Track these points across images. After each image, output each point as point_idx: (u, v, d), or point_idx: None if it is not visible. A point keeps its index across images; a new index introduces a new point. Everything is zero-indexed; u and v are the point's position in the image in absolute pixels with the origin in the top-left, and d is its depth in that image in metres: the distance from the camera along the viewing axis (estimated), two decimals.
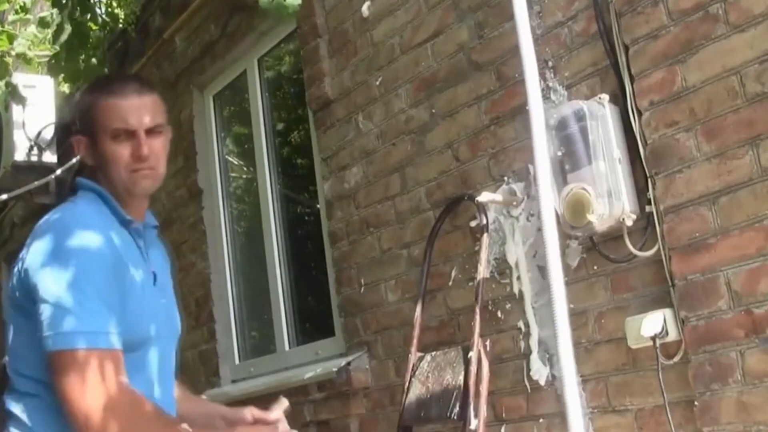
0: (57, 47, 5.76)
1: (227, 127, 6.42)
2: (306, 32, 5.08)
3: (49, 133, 8.00)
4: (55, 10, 5.90)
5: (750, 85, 2.91)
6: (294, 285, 5.54)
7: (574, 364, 3.31)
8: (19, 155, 8.08)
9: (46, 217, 2.48)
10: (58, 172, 7.44)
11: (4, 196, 7.72)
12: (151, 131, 2.61)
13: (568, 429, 2.94)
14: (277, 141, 5.76)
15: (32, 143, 8.03)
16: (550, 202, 3.19)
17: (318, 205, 5.17)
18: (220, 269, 6.09)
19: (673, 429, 3.10)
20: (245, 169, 6.29)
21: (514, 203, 3.77)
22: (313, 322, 5.50)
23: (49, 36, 6.81)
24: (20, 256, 2.43)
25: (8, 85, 6.06)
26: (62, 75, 6.39)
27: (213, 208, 6.18)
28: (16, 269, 2.42)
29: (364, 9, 4.61)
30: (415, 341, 3.92)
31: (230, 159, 6.35)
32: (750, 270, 2.91)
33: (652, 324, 3.15)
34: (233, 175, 6.36)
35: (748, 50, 2.92)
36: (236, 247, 6.15)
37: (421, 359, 3.94)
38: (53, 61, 6.00)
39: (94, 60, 6.27)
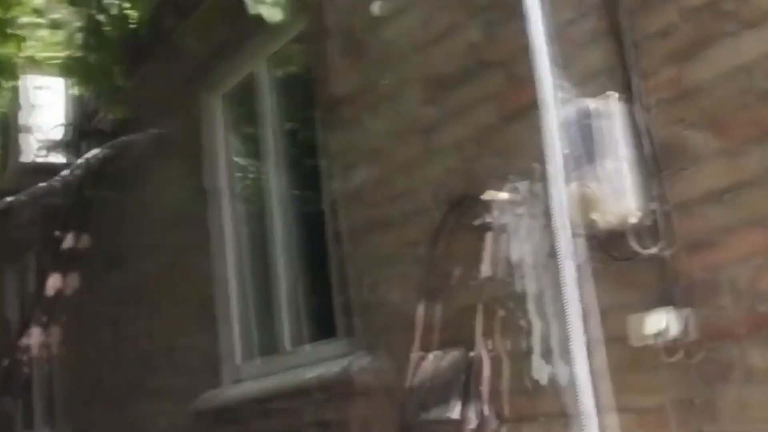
0: (69, 49, 5.79)
1: (236, 127, 6.43)
2: (315, 32, 5.09)
3: (57, 135, 8.07)
4: (66, 11, 5.93)
5: (760, 82, 2.91)
6: (298, 285, 5.53)
7: (588, 364, 3.32)
8: (27, 157, 8.14)
9: None
10: (65, 173, 7.50)
11: (10, 198, 7.77)
12: None
13: (582, 428, 2.94)
14: (285, 141, 5.77)
15: (40, 145, 8.09)
16: (562, 201, 3.20)
17: (324, 205, 5.17)
18: (223, 269, 6.09)
19: (676, 427, 3.09)
20: (252, 168, 6.30)
21: (519, 201, 3.76)
22: (316, 322, 5.49)
23: (61, 38, 6.88)
24: None
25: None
26: (76, 76, 6.43)
27: (219, 208, 6.18)
28: None
29: (375, 8, 4.61)
30: (417, 341, 3.92)
31: (238, 159, 6.35)
32: (755, 268, 2.91)
33: (655, 322, 3.13)
34: (240, 175, 6.36)
35: (758, 47, 2.92)
36: (241, 247, 6.14)
37: (423, 359, 3.93)
38: (67, 62, 6.03)
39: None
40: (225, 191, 6.21)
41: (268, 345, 5.79)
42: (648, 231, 3.25)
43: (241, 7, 5.60)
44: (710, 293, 3.02)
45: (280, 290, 5.53)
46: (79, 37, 6.55)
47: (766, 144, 2.88)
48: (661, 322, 3.13)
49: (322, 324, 5.22)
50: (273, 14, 3.91)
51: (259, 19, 4.64)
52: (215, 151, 6.28)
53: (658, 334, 3.12)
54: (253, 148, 6.08)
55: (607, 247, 3.39)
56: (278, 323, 5.52)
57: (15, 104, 8.04)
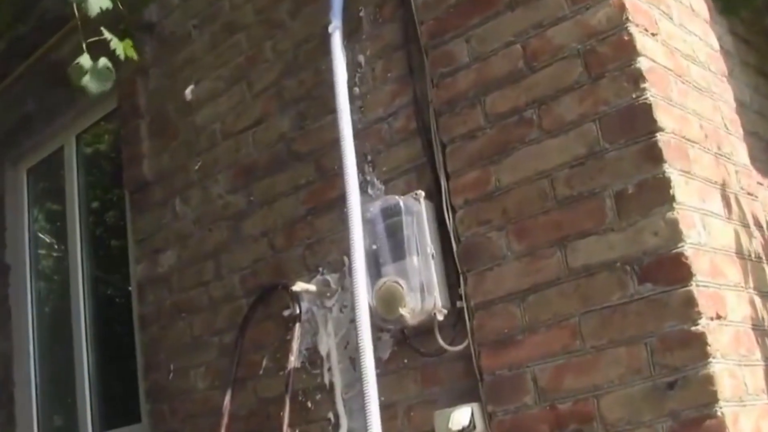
0: None
1: (40, 203, 6.26)
2: (127, 112, 5.02)
3: None
4: None
5: (560, 188, 3.02)
6: (101, 368, 5.39)
7: None
8: None
9: None
10: None
11: None
12: None
13: None
14: (91, 220, 5.65)
15: None
16: (364, 294, 3.24)
17: (130, 288, 5.07)
18: (23, 350, 5.86)
19: None
20: (56, 247, 6.13)
21: (328, 294, 3.77)
22: (119, 408, 5.35)
23: None
24: None
25: None
26: None
27: (20, 286, 5.97)
28: None
29: (188, 92, 4.59)
30: (223, 430, 3.86)
31: (42, 236, 6.17)
32: (555, 366, 2.98)
33: (460, 418, 3.18)
34: (43, 252, 6.19)
35: (558, 155, 3.04)
36: (42, 327, 5.94)
37: None
38: None
39: None
40: (28, 268, 6.01)
41: (69, 429, 5.60)
42: (454, 328, 3.32)
43: (51, 81, 5.49)
44: (514, 390, 3.08)
45: (82, 373, 5.36)
46: None
47: (565, 248, 2.99)
48: (465, 418, 3.17)
49: (126, 409, 5.09)
50: (98, 86, 3.83)
51: (76, 93, 4.48)
52: (19, 226, 6.09)
53: (462, 431, 3.17)
54: (59, 225, 5.92)
55: (414, 342, 3.43)
56: (81, 407, 5.35)
57: None
